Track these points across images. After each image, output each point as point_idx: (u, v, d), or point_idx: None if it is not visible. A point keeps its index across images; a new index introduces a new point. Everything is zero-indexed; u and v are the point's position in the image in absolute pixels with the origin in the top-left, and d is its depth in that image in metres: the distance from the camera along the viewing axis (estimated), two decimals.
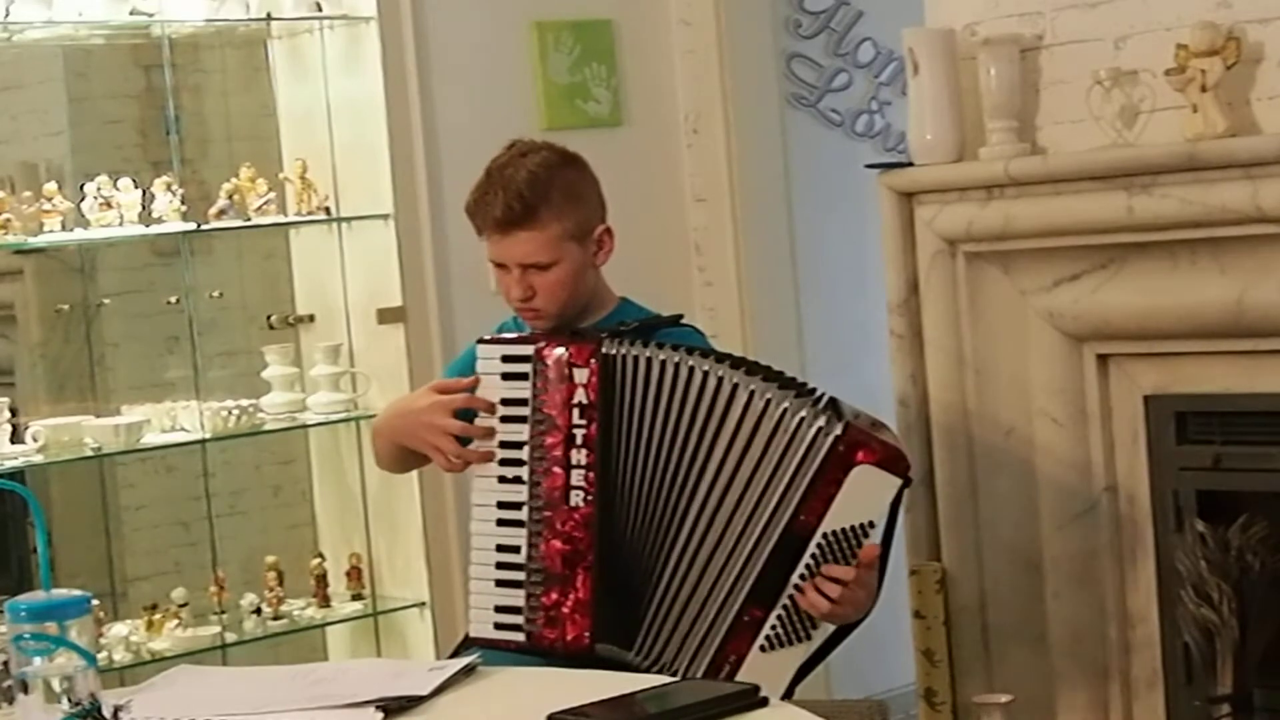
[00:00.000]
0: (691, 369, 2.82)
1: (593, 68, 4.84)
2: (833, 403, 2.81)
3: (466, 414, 2.97)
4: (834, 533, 2.78)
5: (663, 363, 2.84)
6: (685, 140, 5.01)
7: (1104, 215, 3.82)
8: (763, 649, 2.81)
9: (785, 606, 2.80)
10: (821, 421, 2.76)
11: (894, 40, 4.78)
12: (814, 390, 2.83)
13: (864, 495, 2.78)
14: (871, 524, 2.80)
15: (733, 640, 2.81)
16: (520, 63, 4.74)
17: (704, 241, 5.01)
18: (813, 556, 2.78)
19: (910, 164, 4.15)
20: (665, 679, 2.57)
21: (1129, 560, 3.98)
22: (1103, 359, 3.97)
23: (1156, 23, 3.81)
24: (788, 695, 2.83)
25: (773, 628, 2.80)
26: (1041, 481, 4.06)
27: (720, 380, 2.81)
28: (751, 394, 2.79)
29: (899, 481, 2.79)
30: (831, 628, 2.91)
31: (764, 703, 2.34)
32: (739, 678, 2.78)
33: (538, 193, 2.98)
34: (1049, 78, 4.03)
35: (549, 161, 3.03)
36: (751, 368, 2.84)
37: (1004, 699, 3.94)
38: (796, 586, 2.79)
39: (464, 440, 2.95)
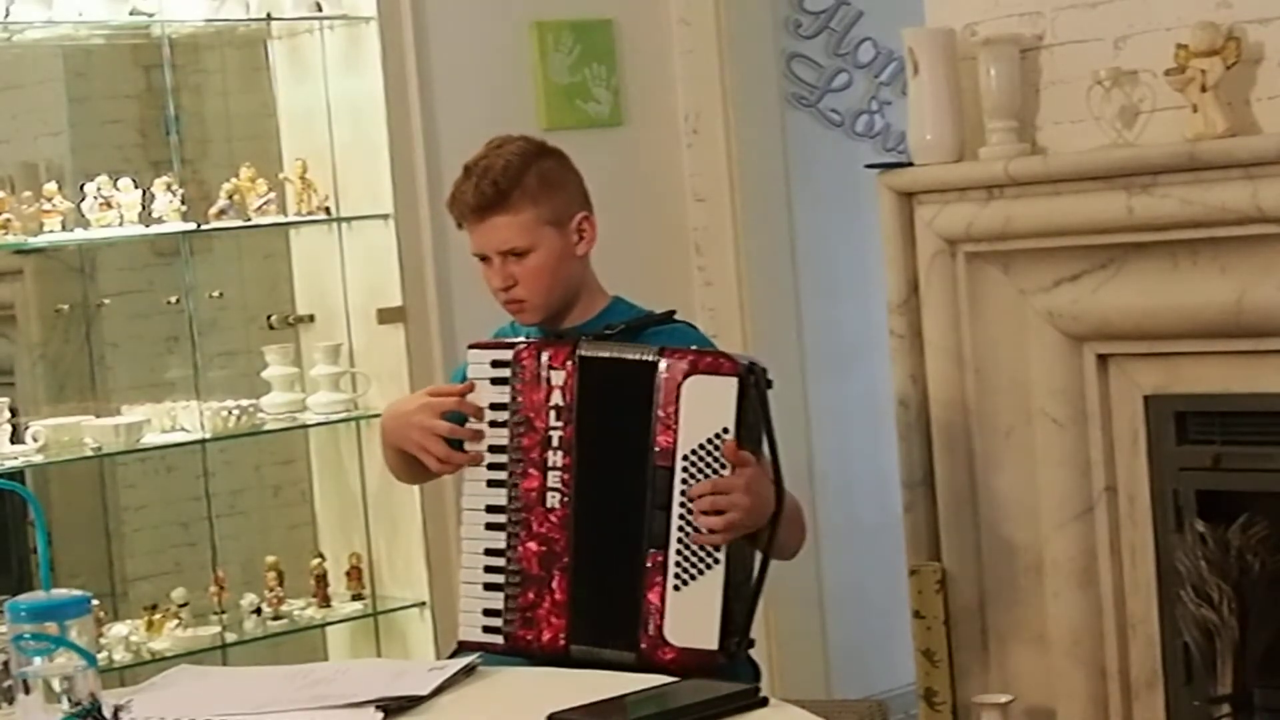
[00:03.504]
0: (643, 362, 2.86)
1: (593, 68, 4.84)
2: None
3: (459, 418, 2.98)
4: (693, 451, 2.81)
5: (631, 361, 2.87)
6: (685, 140, 5.01)
7: (1104, 215, 3.82)
8: (676, 588, 2.82)
9: (680, 540, 2.82)
10: (651, 356, 2.82)
11: (894, 40, 4.78)
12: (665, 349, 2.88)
13: (705, 405, 2.81)
14: (726, 429, 2.81)
15: (648, 590, 2.83)
16: (520, 63, 4.74)
17: (704, 241, 5.00)
18: (684, 481, 2.81)
19: (910, 164, 4.16)
20: (665, 679, 2.57)
21: (1129, 560, 3.98)
22: (1103, 359, 3.97)
23: (1156, 23, 3.82)
24: (746, 629, 2.86)
25: (677, 564, 2.82)
26: (1041, 481, 4.06)
27: (645, 364, 2.85)
28: (647, 365, 2.84)
29: (733, 380, 2.81)
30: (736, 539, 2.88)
31: (764, 702, 2.34)
32: (667, 622, 2.80)
33: (511, 178, 3.00)
34: (1049, 78, 4.03)
35: (524, 150, 3.05)
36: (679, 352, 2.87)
37: (1004, 699, 3.95)
38: (683, 518, 2.81)
39: (455, 443, 2.96)
